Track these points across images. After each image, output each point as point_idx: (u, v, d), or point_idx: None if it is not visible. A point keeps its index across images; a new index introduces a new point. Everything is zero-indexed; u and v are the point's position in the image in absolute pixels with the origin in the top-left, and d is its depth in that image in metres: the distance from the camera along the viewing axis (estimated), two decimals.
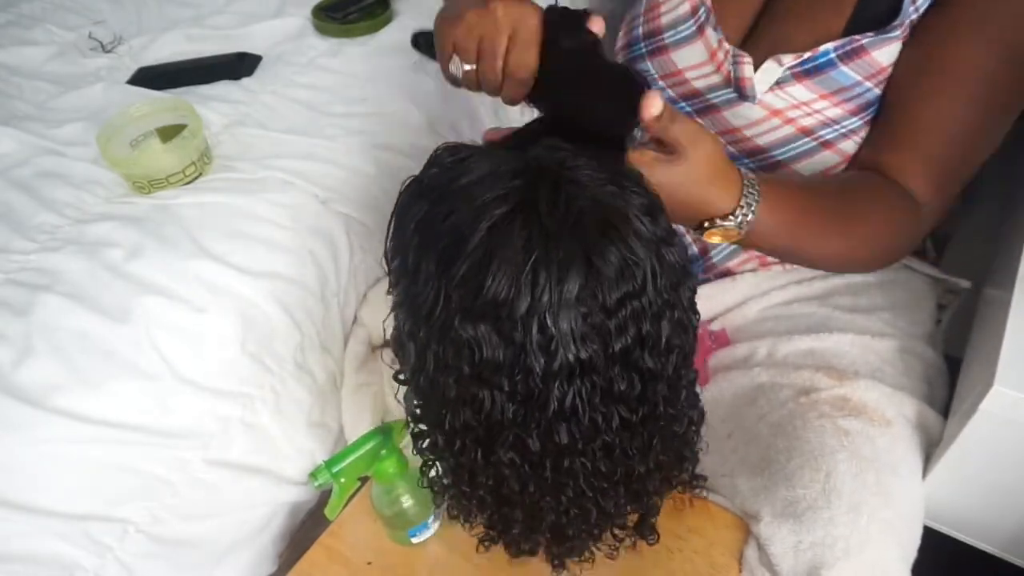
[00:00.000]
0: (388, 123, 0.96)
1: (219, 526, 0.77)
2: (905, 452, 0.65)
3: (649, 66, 0.80)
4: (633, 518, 0.60)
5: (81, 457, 0.67)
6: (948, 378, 0.75)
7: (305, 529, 0.87)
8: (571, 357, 0.42)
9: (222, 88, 1.01)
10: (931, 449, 0.69)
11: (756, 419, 0.69)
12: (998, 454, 0.62)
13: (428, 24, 1.08)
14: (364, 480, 0.69)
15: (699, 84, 0.76)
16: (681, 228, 0.80)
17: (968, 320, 0.77)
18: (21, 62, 1.10)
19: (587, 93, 0.55)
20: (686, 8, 0.76)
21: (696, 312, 0.51)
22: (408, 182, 0.50)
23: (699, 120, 0.76)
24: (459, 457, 0.49)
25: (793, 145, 0.71)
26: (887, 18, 0.66)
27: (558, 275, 0.41)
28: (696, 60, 0.75)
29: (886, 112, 0.68)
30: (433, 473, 0.57)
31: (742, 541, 0.65)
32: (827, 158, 0.71)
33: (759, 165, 0.74)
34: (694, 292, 0.50)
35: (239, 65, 1.05)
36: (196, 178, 0.86)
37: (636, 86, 0.50)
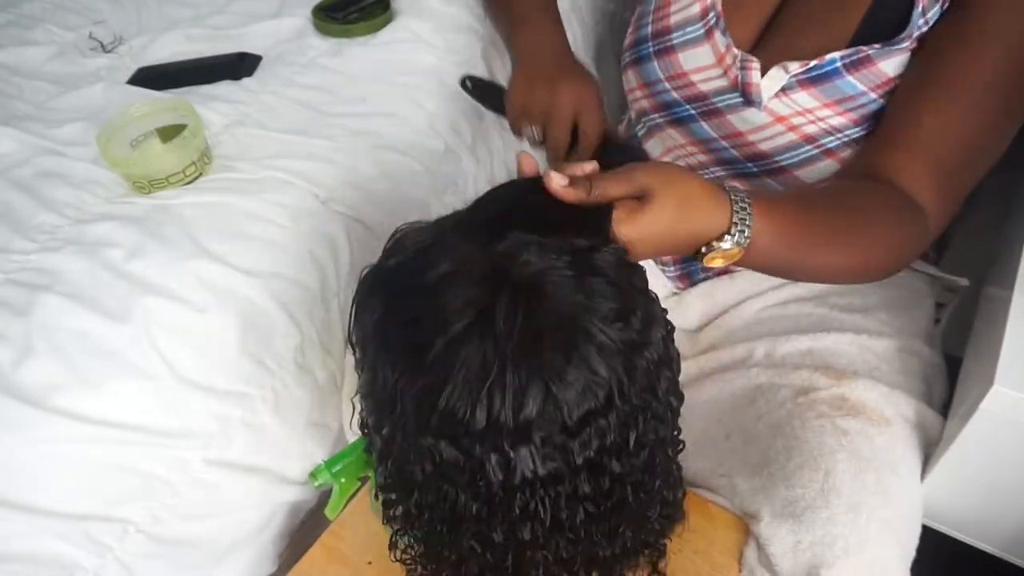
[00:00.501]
0: (388, 123, 0.96)
1: (219, 526, 0.77)
2: (904, 451, 0.65)
3: (656, 66, 0.80)
4: None
5: (81, 457, 0.67)
6: (947, 377, 0.75)
7: (305, 529, 0.87)
8: (529, 474, 0.41)
9: (222, 88, 1.01)
10: (930, 448, 0.69)
11: (755, 419, 0.69)
12: (998, 454, 0.62)
13: (428, 24, 1.08)
14: (364, 480, 0.69)
15: (705, 87, 0.76)
16: None
17: (968, 319, 0.77)
18: (21, 62, 1.10)
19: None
20: (696, 10, 0.76)
21: (678, 394, 0.49)
22: (366, 272, 0.48)
23: (703, 124, 0.76)
24: (427, 528, 0.48)
25: (795, 152, 0.71)
26: (895, 29, 0.66)
27: (514, 401, 0.40)
28: (703, 63, 0.75)
29: (891, 119, 0.67)
30: (403, 546, 0.55)
31: (742, 541, 0.65)
32: (829, 166, 0.71)
33: (762, 170, 0.74)
34: (675, 376, 0.48)
35: (239, 65, 1.05)
36: (196, 178, 0.86)
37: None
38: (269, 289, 0.78)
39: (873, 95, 0.68)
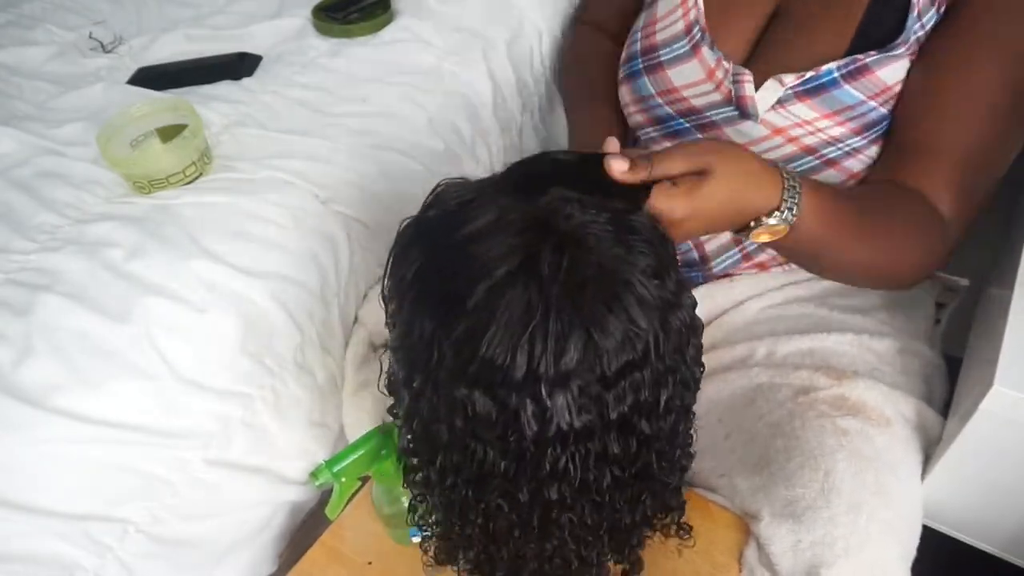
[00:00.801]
0: (388, 123, 0.96)
1: (219, 526, 0.77)
2: (904, 451, 0.65)
3: (646, 82, 0.80)
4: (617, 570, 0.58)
5: (81, 457, 0.67)
6: (947, 377, 0.75)
7: (305, 529, 0.87)
8: (564, 426, 0.41)
9: (222, 88, 1.01)
10: (930, 448, 0.69)
11: (755, 419, 0.69)
12: (998, 454, 0.62)
13: (428, 24, 1.08)
14: (365, 480, 0.69)
15: (698, 102, 0.76)
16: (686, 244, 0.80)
17: (968, 320, 0.77)
18: (21, 62, 1.10)
19: None
20: (680, 27, 0.76)
21: (701, 364, 0.50)
22: (407, 223, 0.48)
23: (699, 136, 0.76)
24: (450, 494, 0.48)
25: (796, 164, 0.71)
26: (891, 36, 0.66)
27: (556, 347, 0.40)
28: (693, 78, 0.75)
29: (902, 131, 0.67)
30: (421, 511, 0.55)
31: (742, 541, 0.65)
32: (831, 176, 0.71)
33: None
34: (700, 346, 0.49)
35: (239, 65, 1.05)
36: (196, 178, 0.86)
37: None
38: (269, 289, 0.78)
39: (873, 103, 0.67)
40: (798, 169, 0.71)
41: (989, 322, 0.67)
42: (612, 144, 0.52)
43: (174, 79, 1.03)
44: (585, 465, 0.43)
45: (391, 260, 0.48)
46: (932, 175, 0.64)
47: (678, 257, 0.83)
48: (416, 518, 0.55)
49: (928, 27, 0.65)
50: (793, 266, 0.81)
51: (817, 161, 0.70)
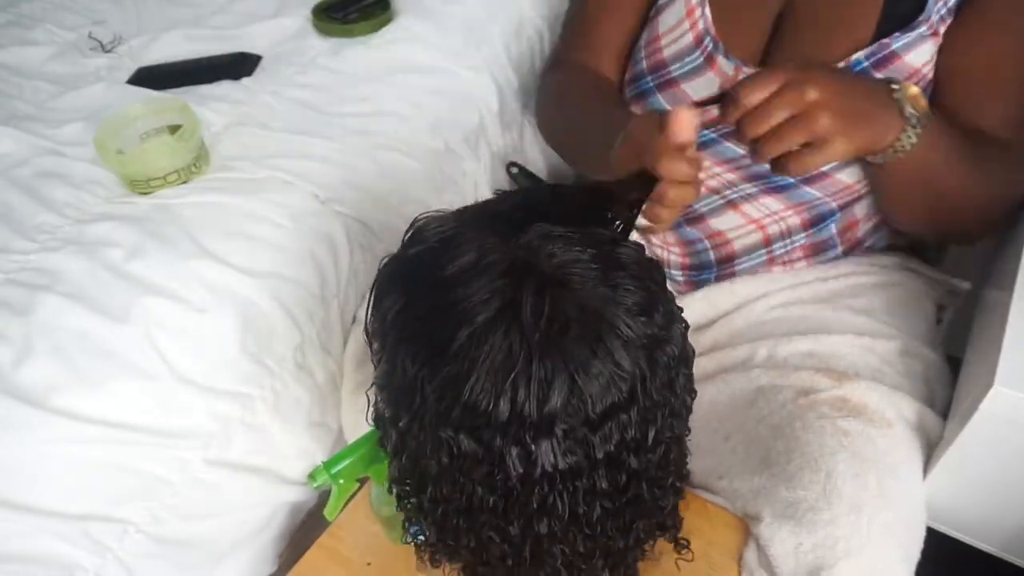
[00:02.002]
0: (388, 123, 0.96)
1: (219, 526, 0.77)
2: (906, 453, 0.65)
3: (660, 99, 0.77)
4: None
5: (81, 457, 0.67)
6: (950, 379, 0.75)
7: (305, 529, 0.87)
8: (550, 468, 0.41)
9: (222, 88, 1.01)
10: (931, 450, 0.69)
11: (756, 421, 0.69)
12: (998, 454, 0.62)
13: (428, 24, 1.08)
14: (363, 481, 0.69)
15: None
16: (695, 233, 0.79)
17: (968, 320, 0.77)
18: (21, 62, 1.10)
19: None
20: (689, 39, 0.74)
21: (693, 391, 0.49)
22: (387, 261, 0.47)
23: (728, 144, 0.75)
24: (442, 521, 0.48)
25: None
26: (913, 16, 0.66)
27: (539, 393, 0.39)
28: (713, 90, 0.73)
29: (951, 100, 0.67)
30: (416, 531, 0.55)
31: (740, 541, 0.65)
32: (854, 172, 0.70)
33: (799, 179, 0.73)
34: (690, 375, 0.48)
35: (239, 65, 1.05)
36: (193, 178, 0.86)
37: None
38: (269, 289, 0.78)
39: None
40: (829, 167, 0.70)
41: (989, 322, 0.67)
42: (682, 116, 0.51)
43: (174, 79, 1.03)
44: (574, 501, 0.43)
45: (372, 297, 0.47)
46: (995, 110, 0.66)
47: (687, 260, 0.84)
48: (412, 535, 0.55)
49: (951, 4, 0.65)
50: (795, 267, 0.81)
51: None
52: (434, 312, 0.42)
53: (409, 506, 0.50)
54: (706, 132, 0.75)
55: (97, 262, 0.75)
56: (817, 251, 0.79)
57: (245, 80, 1.02)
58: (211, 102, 0.97)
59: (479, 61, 1.05)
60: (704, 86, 0.74)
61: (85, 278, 0.74)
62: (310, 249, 0.83)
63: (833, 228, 0.77)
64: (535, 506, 0.43)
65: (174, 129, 0.87)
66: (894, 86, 0.56)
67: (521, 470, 0.41)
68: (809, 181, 0.72)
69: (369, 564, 0.69)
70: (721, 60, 0.73)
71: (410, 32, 1.08)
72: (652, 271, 0.46)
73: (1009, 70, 0.65)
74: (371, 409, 0.50)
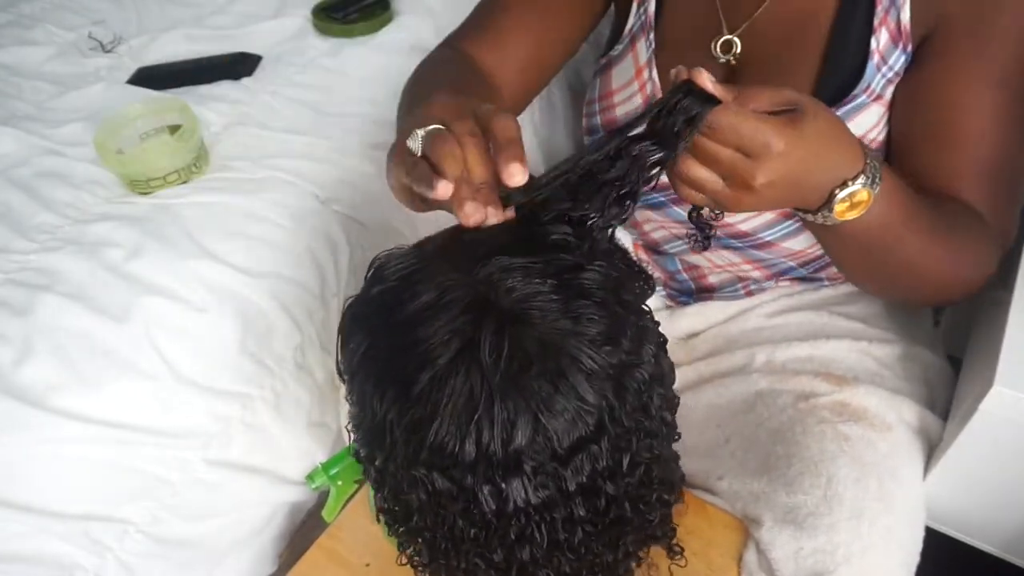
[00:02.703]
0: (388, 123, 0.96)
1: (219, 526, 0.77)
2: (906, 457, 0.65)
3: None
4: None
5: (81, 457, 0.67)
6: (952, 379, 0.75)
7: (305, 530, 0.87)
8: (522, 503, 0.41)
9: (222, 88, 1.01)
10: (931, 453, 0.69)
11: (755, 425, 0.69)
12: (998, 454, 0.62)
13: (428, 24, 1.08)
14: (362, 482, 0.69)
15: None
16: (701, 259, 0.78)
17: (968, 320, 0.77)
18: (21, 62, 1.10)
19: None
20: (638, 101, 0.72)
21: (673, 407, 0.48)
22: (349, 302, 0.47)
23: (676, 208, 0.73)
24: (431, 544, 0.48)
25: (777, 228, 0.69)
26: (849, 88, 0.63)
27: (503, 433, 0.39)
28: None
29: (913, 176, 0.61)
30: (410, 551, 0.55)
31: (740, 542, 0.65)
32: (802, 240, 0.69)
33: (747, 245, 0.72)
34: (667, 391, 0.47)
35: (239, 65, 1.05)
36: (193, 178, 0.86)
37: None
38: (269, 289, 0.78)
39: None
40: (781, 232, 0.69)
41: (989, 323, 0.67)
42: (702, 75, 0.45)
43: (174, 79, 1.03)
44: (552, 530, 0.43)
45: (340, 338, 0.47)
46: (969, 185, 0.61)
47: (669, 282, 0.83)
48: (407, 559, 0.55)
49: (897, 68, 0.62)
50: (786, 282, 0.80)
51: (797, 224, 0.68)
52: (396, 354, 0.42)
53: (400, 531, 0.51)
54: (656, 196, 0.74)
55: (97, 262, 0.75)
56: (802, 281, 0.79)
57: (245, 80, 1.02)
58: (211, 102, 0.97)
59: None
60: None
61: (85, 278, 0.74)
62: (310, 249, 0.83)
63: (805, 273, 0.76)
64: (514, 537, 0.43)
65: (174, 129, 0.87)
66: (851, 182, 0.49)
67: (494, 506, 0.41)
68: (757, 247, 0.71)
69: (368, 565, 0.69)
70: None
71: (410, 32, 1.08)
72: (620, 292, 0.45)
73: (974, 119, 0.61)
74: (351, 443, 0.50)
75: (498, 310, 0.41)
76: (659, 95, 0.70)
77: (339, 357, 0.47)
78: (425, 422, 0.40)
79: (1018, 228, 0.70)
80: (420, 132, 0.46)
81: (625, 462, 0.43)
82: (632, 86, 0.73)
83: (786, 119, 0.45)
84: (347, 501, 0.66)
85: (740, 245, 0.72)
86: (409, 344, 0.41)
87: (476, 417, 0.39)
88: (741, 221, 0.70)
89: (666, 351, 0.48)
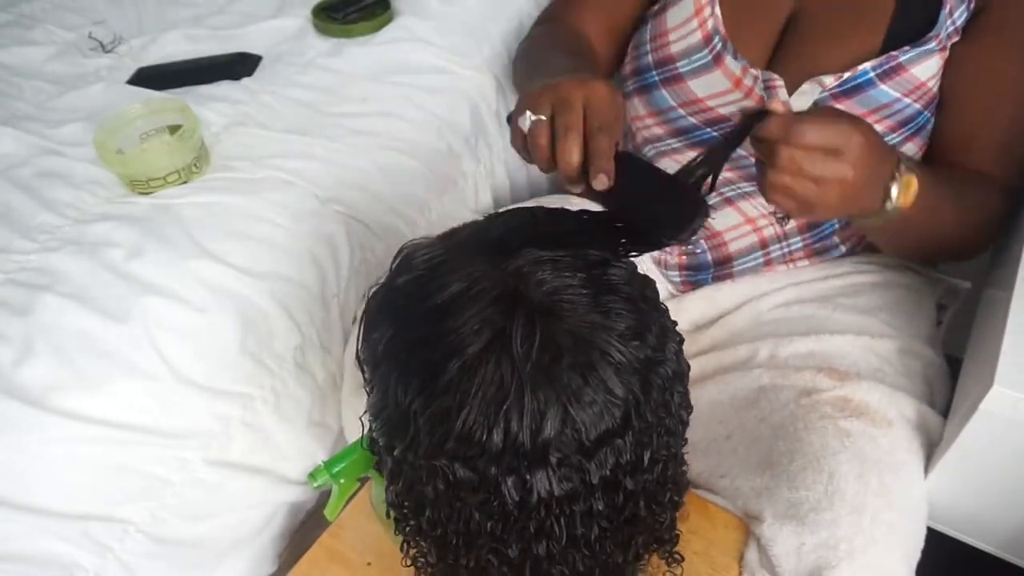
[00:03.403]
0: (388, 123, 0.96)
1: (219, 526, 0.77)
2: (907, 453, 0.65)
3: (665, 94, 0.77)
4: None
5: (81, 457, 0.67)
6: (949, 378, 0.75)
7: (305, 529, 0.87)
8: (545, 494, 0.41)
9: (222, 88, 1.01)
10: (931, 450, 0.69)
11: (757, 421, 0.69)
12: (998, 454, 0.62)
13: (428, 24, 1.08)
14: (364, 480, 0.69)
15: (726, 110, 0.74)
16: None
17: (969, 320, 0.77)
18: (21, 62, 1.10)
19: (651, 193, 0.52)
20: (698, 37, 0.74)
21: (689, 407, 0.49)
22: (375, 291, 0.47)
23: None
24: (441, 541, 0.47)
25: None
26: (923, 31, 0.66)
27: (532, 424, 0.39)
28: (719, 88, 0.73)
29: (943, 129, 0.69)
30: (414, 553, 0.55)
31: (741, 541, 0.65)
32: None
33: None
34: (686, 390, 0.48)
35: (239, 65, 1.05)
36: (194, 178, 0.86)
37: (694, 198, 0.50)
38: (269, 289, 0.78)
39: (908, 100, 0.67)
40: None
41: (989, 323, 0.67)
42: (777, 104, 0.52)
43: (174, 79, 1.03)
44: (571, 524, 0.43)
45: (363, 326, 0.47)
46: (974, 162, 0.67)
47: (684, 260, 0.84)
48: (411, 560, 0.55)
49: (959, 23, 0.65)
50: (795, 265, 0.81)
51: None
52: (424, 343, 0.42)
53: (408, 528, 0.50)
54: (708, 129, 0.76)
55: (97, 262, 0.75)
56: (819, 251, 0.79)
57: (245, 80, 1.02)
58: (211, 102, 0.97)
59: (479, 61, 1.05)
60: (710, 84, 0.74)
61: (85, 278, 0.74)
62: (310, 249, 0.83)
63: (834, 226, 0.77)
64: (533, 530, 0.43)
65: (174, 129, 0.87)
66: (898, 173, 0.55)
67: (517, 497, 0.41)
68: None
69: (369, 564, 0.69)
70: (729, 60, 0.73)
71: (410, 32, 1.08)
72: (644, 290, 0.45)
73: (1008, 94, 0.66)
74: (365, 434, 0.50)
75: (529, 302, 0.41)
76: (722, 31, 0.73)
77: (359, 346, 0.47)
78: (453, 411, 0.40)
79: (1016, 227, 0.70)
80: (531, 117, 0.54)
81: (646, 458, 0.43)
82: (691, 23, 0.75)
83: (848, 121, 0.50)
84: (349, 500, 0.66)
85: None
86: (437, 334, 0.41)
87: (506, 407, 0.39)
88: None
89: (682, 351, 0.48)
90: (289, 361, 0.81)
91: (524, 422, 0.39)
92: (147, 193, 0.84)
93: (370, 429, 0.48)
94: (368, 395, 0.47)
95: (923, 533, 0.65)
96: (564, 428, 0.40)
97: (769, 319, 0.78)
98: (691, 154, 0.79)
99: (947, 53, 0.67)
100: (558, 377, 0.40)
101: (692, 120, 0.77)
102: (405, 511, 0.49)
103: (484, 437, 0.40)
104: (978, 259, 0.79)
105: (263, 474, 0.79)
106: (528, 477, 0.40)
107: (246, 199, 0.83)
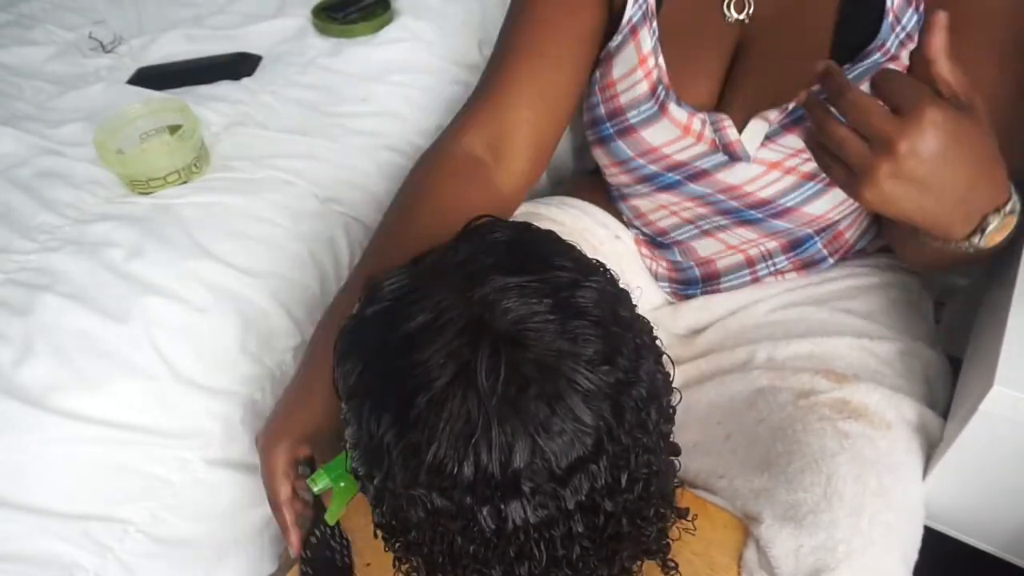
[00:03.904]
0: (388, 123, 0.96)
1: (219, 526, 0.77)
2: (905, 454, 0.65)
3: (622, 145, 0.74)
4: None
5: (81, 457, 0.67)
6: (950, 377, 0.75)
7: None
8: (521, 522, 0.41)
9: (222, 88, 1.01)
10: (931, 451, 0.69)
11: (755, 422, 0.69)
12: (998, 454, 0.62)
13: (428, 24, 1.08)
14: None
15: (682, 156, 0.72)
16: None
17: (968, 320, 0.77)
18: (21, 62, 1.11)
19: None
20: (644, 88, 0.71)
21: (671, 420, 0.48)
22: (345, 324, 0.47)
23: (693, 185, 0.73)
24: (428, 560, 0.48)
25: (799, 191, 0.69)
26: (866, 45, 0.63)
27: (501, 456, 0.39)
28: (669, 136, 0.71)
29: None
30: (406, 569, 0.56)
31: (740, 541, 0.65)
32: (838, 195, 0.69)
33: (767, 214, 0.72)
34: (664, 405, 0.47)
35: (239, 65, 1.05)
36: (194, 178, 0.86)
37: None
38: (269, 289, 0.78)
39: None
40: (803, 196, 0.69)
41: (989, 322, 0.67)
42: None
43: (174, 79, 1.03)
44: (551, 547, 0.43)
45: (336, 359, 0.47)
46: None
47: (674, 275, 0.84)
48: (404, 572, 0.55)
49: (909, 28, 0.63)
50: (784, 278, 0.80)
51: (820, 185, 0.68)
52: (393, 376, 0.42)
53: (397, 546, 0.51)
54: (670, 175, 0.74)
55: (97, 262, 0.75)
56: (806, 264, 0.79)
57: (245, 80, 1.02)
58: (211, 102, 0.97)
59: (479, 61, 1.05)
60: (660, 132, 0.72)
61: (85, 278, 0.74)
62: (310, 249, 0.83)
63: (819, 245, 0.77)
64: (513, 555, 0.43)
65: (174, 129, 0.87)
66: (1005, 208, 0.48)
67: (494, 526, 0.41)
68: (776, 216, 0.72)
69: (369, 565, 0.69)
70: (672, 107, 0.70)
71: (410, 32, 1.08)
72: (617, 309, 0.45)
73: (985, 97, 0.63)
74: (348, 461, 0.51)
75: (494, 332, 0.41)
76: (665, 80, 0.71)
77: (336, 376, 0.47)
78: (423, 445, 0.40)
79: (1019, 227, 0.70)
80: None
81: (623, 479, 0.43)
82: (636, 74, 0.72)
83: (948, 103, 0.44)
84: (348, 502, 0.66)
85: (759, 216, 0.72)
86: (405, 367, 0.41)
87: (474, 440, 0.39)
88: (761, 188, 0.70)
89: (662, 363, 0.48)
90: (289, 361, 0.81)
91: (493, 455, 0.39)
92: (147, 193, 0.84)
93: (351, 458, 0.48)
94: (346, 425, 0.47)
95: (920, 534, 0.65)
96: (534, 459, 0.40)
97: (767, 321, 0.78)
98: (662, 196, 0.77)
99: (903, 60, 0.64)
100: (525, 408, 0.39)
101: (653, 168, 0.75)
102: (393, 530, 0.49)
103: (455, 470, 0.40)
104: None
105: None
106: (502, 507, 0.40)
107: (246, 199, 0.83)
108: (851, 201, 0.69)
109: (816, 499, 0.59)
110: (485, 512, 0.41)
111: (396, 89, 1.00)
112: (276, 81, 1.01)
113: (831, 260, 0.79)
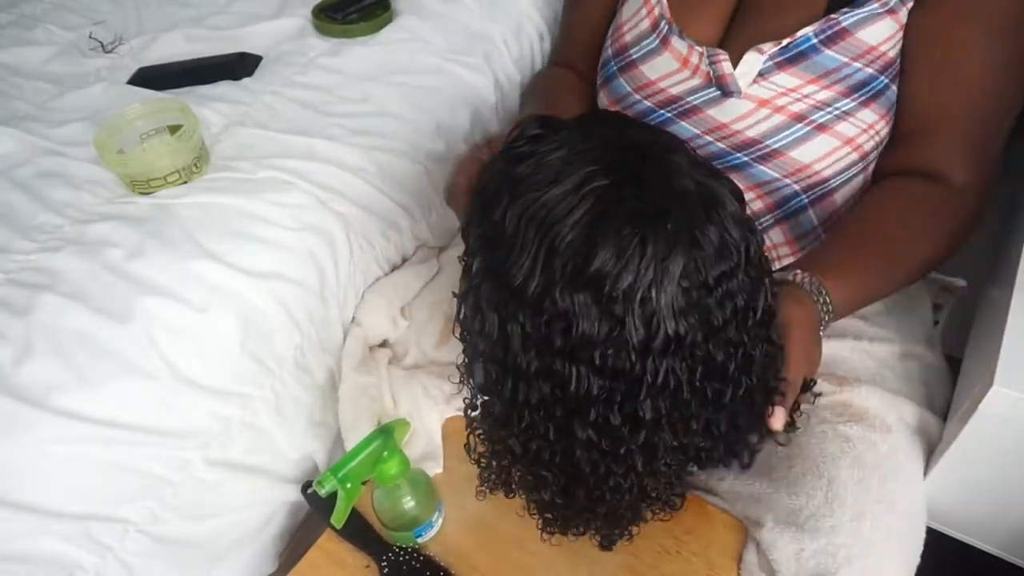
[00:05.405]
0: (388, 123, 0.96)
1: (219, 526, 0.77)
2: (906, 457, 0.65)
3: (622, 81, 0.81)
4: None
5: (81, 457, 0.67)
6: (949, 378, 0.75)
7: (305, 529, 0.87)
8: (670, 331, 0.43)
9: (222, 88, 1.01)
10: (930, 454, 0.69)
11: None
12: (998, 454, 0.62)
13: (428, 24, 1.08)
14: (368, 483, 0.69)
15: (676, 90, 0.76)
16: None
17: (968, 320, 0.77)
18: (21, 62, 1.10)
19: None
20: (647, 24, 0.78)
21: (775, 282, 0.53)
22: (490, 162, 0.51)
23: (683, 123, 0.77)
24: (527, 433, 0.48)
25: (787, 132, 0.71)
26: None
27: (664, 250, 0.42)
28: (668, 69, 0.76)
29: (903, 106, 0.70)
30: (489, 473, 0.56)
31: (740, 542, 0.65)
32: (826, 142, 0.70)
33: (752, 157, 0.73)
34: (769, 291, 0.52)
35: (239, 65, 1.05)
36: (194, 178, 0.86)
37: None
38: (269, 289, 0.78)
39: (857, 64, 0.68)
40: (790, 138, 0.71)
41: (989, 322, 0.67)
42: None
43: (174, 79, 1.03)
44: (687, 377, 0.45)
45: (480, 185, 0.49)
46: (936, 146, 0.67)
47: None
48: (476, 456, 0.56)
49: None
50: (782, 262, 0.81)
51: (808, 127, 0.70)
52: (556, 183, 0.44)
53: (491, 422, 0.51)
54: (662, 112, 0.78)
55: (97, 262, 0.75)
56: (796, 233, 0.79)
57: (245, 80, 1.02)
58: (211, 102, 0.97)
59: (479, 61, 1.05)
60: (660, 66, 0.77)
61: (85, 278, 0.74)
62: (310, 249, 0.83)
63: (813, 219, 0.77)
64: (648, 382, 0.44)
65: (174, 129, 0.87)
66: (825, 316, 0.61)
67: (641, 334, 0.43)
68: (761, 159, 0.73)
69: (368, 566, 0.69)
70: (675, 40, 0.76)
71: (410, 32, 1.08)
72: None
73: (971, 64, 0.66)
74: (456, 325, 0.51)
75: (657, 149, 0.46)
76: (667, 15, 0.78)
77: (466, 228, 0.50)
78: (587, 241, 0.42)
79: (1016, 226, 0.70)
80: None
81: (758, 308, 0.47)
82: (640, 12, 0.80)
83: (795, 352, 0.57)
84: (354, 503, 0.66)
85: (744, 160, 0.74)
86: (569, 175, 0.44)
87: (640, 234, 0.42)
88: (749, 127, 0.73)
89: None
90: (289, 361, 0.81)
91: (656, 249, 0.42)
92: (147, 193, 0.84)
93: (464, 312, 0.49)
94: (473, 258, 0.48)
95: (922, 536, 0.65)
96: (691, 258, 0.43)
97: None
98: None
99: (900, 16, 0.67)
100: (688, 211, 0.43)
101: (647, 104, 0.79)
102: (498, 389, 0.50)
103: (617, 267, 0.42)
104: (977, 259, 0.79)
105: (263, 474, 0.79)
106: (655, 309, 0.42)
107: (246, 199, 0.83)
108: (839, 157, 0.71)
109: (817, 503, 0.60)
110: (636, 315, 0.42)
111: (396, 89, 1.00)
112: (276, 81, 1.01)
113: (820, 227, 0.78)
